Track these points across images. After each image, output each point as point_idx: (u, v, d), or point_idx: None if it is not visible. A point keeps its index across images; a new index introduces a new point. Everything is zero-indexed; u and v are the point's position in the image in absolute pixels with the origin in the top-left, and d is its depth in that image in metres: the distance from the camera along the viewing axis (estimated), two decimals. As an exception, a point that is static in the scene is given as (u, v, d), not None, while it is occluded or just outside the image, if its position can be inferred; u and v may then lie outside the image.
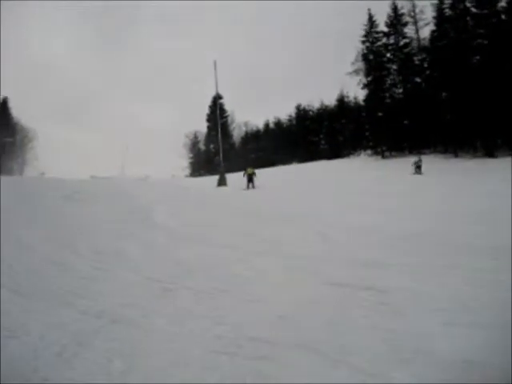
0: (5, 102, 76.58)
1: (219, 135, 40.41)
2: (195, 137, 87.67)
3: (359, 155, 62.79)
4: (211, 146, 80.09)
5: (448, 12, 45.51)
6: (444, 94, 43.81)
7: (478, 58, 41.20)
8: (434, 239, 9.01)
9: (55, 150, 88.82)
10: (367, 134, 57.56)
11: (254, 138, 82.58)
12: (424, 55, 49.77)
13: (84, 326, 4.90)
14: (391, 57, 53.25)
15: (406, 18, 52.63)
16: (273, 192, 23.87)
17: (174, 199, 20.70)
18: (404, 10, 52.60)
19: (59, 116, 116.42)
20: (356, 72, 56.12)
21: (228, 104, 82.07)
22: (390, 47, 53.41)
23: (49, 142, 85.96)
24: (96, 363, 3.94)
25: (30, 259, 8.34)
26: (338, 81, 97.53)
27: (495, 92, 36.89)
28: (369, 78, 53.97)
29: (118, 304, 5.63)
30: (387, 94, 52.66)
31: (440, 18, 46.26)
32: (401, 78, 51.86)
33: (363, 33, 55.24)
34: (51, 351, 4.21)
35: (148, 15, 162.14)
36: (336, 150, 65.89)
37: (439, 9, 46.41)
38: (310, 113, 76.02)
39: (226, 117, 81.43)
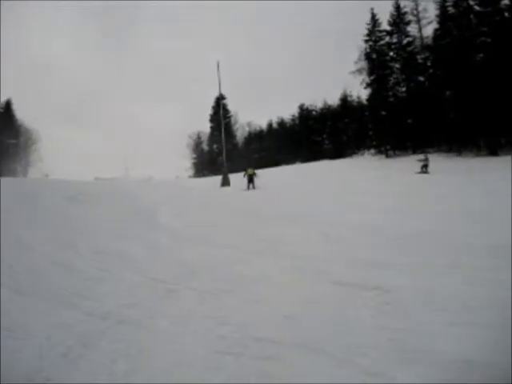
0: (8, 103, 76.73)
1: (223, 135, 40.36)
2: (198, 137, 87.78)
3: (363, 154, 62.81)
4: (214, 146, 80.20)
5: (451, 10, 45.36)
6: (447, 92, 43.66)
7: (481, 56, 41.05)
8: (443, 238, 8.98)
9: (59, 151, 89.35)
10: (370, 133, 57.57)
11: (257, 138, 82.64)
12: (427, 54, 49.64)
13: (89, 327, 4.90)
14: (394, 55, 53.13)
15: (409, 17, 52.57)
16: (276, 192, 23.81)
17: (178, 200, 20.74)
18: (407, 9, 52.56)
19: (63, 117, 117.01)
20: (359, 71, 56.14)
21: (231, 104, 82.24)
22: (392, 46, 53.29)
23: (53, 143, 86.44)
24: (101, 364, 3.94)
25: (34, 261, 8.36)
26: (341, 80, 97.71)
27: (498, 90, 36.77)
28: (372, 77, 53.88)
29: (123, 305, 5.64)
30: (390, 93, 52.55)
31: (443, 16, 46.12)
32: (404, 76, 51.71)
33: (366, 32, 55.21)
34: (56, 352, 4.21)
35: (150, 15, 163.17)
36: (339, 150, 65.90)
37: (442, 7, 46.27)
38: (313, 112, 76.00)
39: (230, 117, 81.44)
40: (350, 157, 63.45)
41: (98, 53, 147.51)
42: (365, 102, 60.06)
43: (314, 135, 72.25)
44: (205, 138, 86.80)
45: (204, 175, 72.11)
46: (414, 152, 47.93)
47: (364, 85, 55.65)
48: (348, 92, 70.98)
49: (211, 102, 79.30)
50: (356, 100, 69.78)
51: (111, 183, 36.83)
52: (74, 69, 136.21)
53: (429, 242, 8.69)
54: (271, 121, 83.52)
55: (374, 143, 56.49)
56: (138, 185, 35.36)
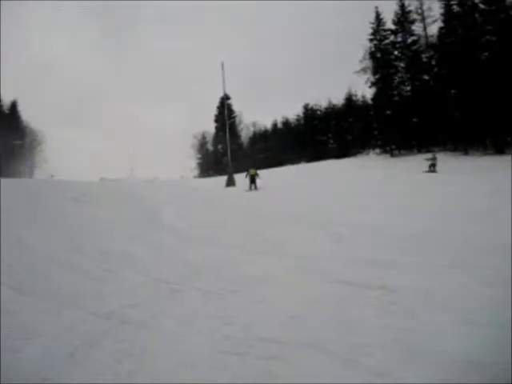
0: (14, 104, 77.03)
1: (227, 136, 40.37)
2: (203, 137, 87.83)
3: (368, 154, 62.70)
4: (219, 146, 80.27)
5: (456, 9, 45.26)
6: (453, 91, 43.53)
7: (486, 54, 40.92)
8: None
9: (64, 152, 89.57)
10: (375, 132, 57.49)
11: (262, 138, 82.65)
12: (432, 52, 49.51)
13: (93, 327, 4.89)
14: (399, 54, 53.02)
15: (414, 16, 52.44)
16: (281, 192, 23.81)
17: (182, 200, 20.75)
18: (411, 8, 52.46)
19: (67, 118, 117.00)
20: (364, 70, 56.04)
21: (236, 104, 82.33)
22: (397, 45, 53.18)
23: (57, 144, 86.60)
24: (105, 364, 3.94)
25: (38, 261, 8.35)
26: (345, 80, 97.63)
27: (504, 89, 36.65)
28: (376, 76, 53.77)
29: (127, 305, 5.63)
30: (395, 92, 52.44)
31: (448, 14, 46.01)
32: (409, 75, 51.58)
33: (370, 31, 55.13)
34: (60, 352, 4.20)
35: (150, 15, 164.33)
36: (344, 149, 65.86)
37: (447, 5, 46.17)
38: (318, 112, 75.97)
39: (234, 117, 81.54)
40: (354, 156, 63.37)
41: (100, 53, 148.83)
42: (369, 101, 59.97)
43: (318, 135, 72.22)
44: (210, 138, 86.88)
45: (209, 175, 72.20)
46: (420, 151, 47.88)
47: (369, 84, 55.61)
48: (353, 91, 71.05)
49: (216, 102, 79.60)
50: (361, 99, 69.79)
51: (116, 184, 36.86)
52: (77, 69, 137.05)
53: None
54: (276, 121, 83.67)
55: (379, 142, 56.41)
56: (143, 185, 35.40)
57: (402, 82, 52.51)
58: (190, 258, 8.40)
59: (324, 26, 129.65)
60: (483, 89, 38.05)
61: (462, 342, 3.98)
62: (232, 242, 9.96)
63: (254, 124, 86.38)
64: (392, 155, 51.81)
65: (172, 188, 30.02)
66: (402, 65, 52.64)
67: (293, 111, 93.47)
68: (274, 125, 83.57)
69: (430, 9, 50.82)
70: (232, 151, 41.28)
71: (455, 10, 45.33)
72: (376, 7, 54.95)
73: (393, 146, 52.62)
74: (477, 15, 43.08)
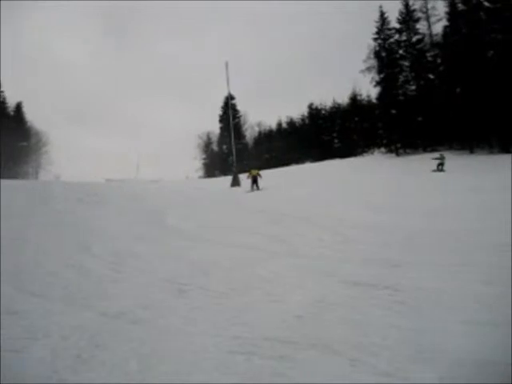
0: (19, 106, 77.24)
1: (232, 136, 40.42)
2: (208, 138, 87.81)
3: (373, 153, 62.60)
4: (224, 146, 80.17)
5: (461, 7, 45.08)
6: (458, 89, 43.36)
7: (491, 52, 40.75)
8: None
9: (69, 153, 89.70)
10: (381, 131, 57.33)
11: (266, 138, 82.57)
12: (437, 51, 49.36)
13: (103, 327, 4.92)
14: (404, 53, 52.83)
15: (418, 14, 52.26)
16: (287, 192, 23.76)
17: (188, 201, 20.78)
18: (416, 6, 52.25)
19: (72, 118, 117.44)
20: (368, 69, 55.80)
21: (240, 104, 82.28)
22: (402, 44, 52.98)
23: (62, 145, 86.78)
24: (114, 364, 3.95)
25: (48, 262, 8.40)
26: (350, 79, 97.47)
27: (510, 87, 36.48)
28: (381, 76, 53.59)
29: (136, 305, 5.65)
30: (400, 91, 52.23)
31: (453, 13, 45.82)
32: (414, 74, 51.38)
33: (375, 30, 54.99)
34: (71, 352, 4.22)
35: (156, 15, 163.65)
36: (349, 149, 65.72)
37: (452, 4, 45.99)
38: (323, 112, 75.94)
39: (239, 117, 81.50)
40: (360, 156, 63.29)
41: (104, 53, 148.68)
42: (374, 100, 59.83)
43: (323, 134, 72.17)
44: (214, 138, 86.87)
45: (214, 176, 72.18)
46: (425, 150, 47.73)
47: (373, 83, 55.42)
48: (357, 91, 70.91)
49: (220, 102, 79.53)
50: (366, 99, 69.66)
51: (122, 184, 36.95)
52: (82, 70, 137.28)
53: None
54: (280, 121, 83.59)
55: (385, 142, 56.27)
56: (148, 186, 35.49)
57: (407, 81, 52.32)
58: (197, 259, 8.44)
59: (328, 26, 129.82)
60: (488, 87, 37.88)
61: (471, 342, 3.98)
62: (238, 242, 9.98)
63: (258, 124, 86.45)
64: (397, 154, 51.65)
65: (177, 189, 30.07)
66: (406, 64, 52.45)
67: (297, 111, 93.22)
68: (279, 125, 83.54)
69: (434, 7, 50.64)
70: (237, 151, 41.35)
71: (460, 9, 45.14)
72: (380, 6, 54.86)
73: (398, 145, 52.46)
74: (482, 13, 42.89)
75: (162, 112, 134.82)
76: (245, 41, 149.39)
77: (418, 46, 51.28)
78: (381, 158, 51.63)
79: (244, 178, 30.90)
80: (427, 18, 51.54)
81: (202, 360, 3.94)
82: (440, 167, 30.49)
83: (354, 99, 71.08)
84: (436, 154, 33.57)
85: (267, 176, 29.26)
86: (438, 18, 50.06)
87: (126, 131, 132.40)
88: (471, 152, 41.70)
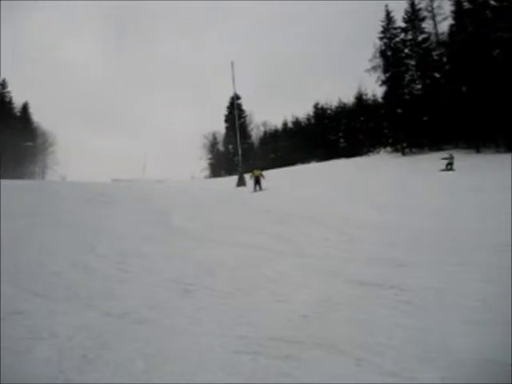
0: (25, 106, 77.53)
1: (238, 136, 40.44)
2: (214, 138, 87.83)
3: (379, 153, 62.51)
4: (230, 146, 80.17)
5: (466, 5, 44.95)
6: (464, 88, 43.23)
7: (497, 51, 40.61)
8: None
9: (75, 153, 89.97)
10: (386, 131, 57.22)
11: (272, 137, 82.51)
12: (443, 50, 49.23)
13: (108, 327, 4.92)
14: (409, 52, 52.74)
15: (424, 13, 52.17)
16: (291, 192, 23.74)
17: (194, 201, 20.81)
18: (421, 5, 52.17)
19: (77, 118, 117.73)
20: (374, 68, 55.74)
21: (246, 104, 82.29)
22: (408, 43, 52.92)
23: (69, 145, 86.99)
24: (119, 364, 3.96)
25: (54, 262, 8.42)
26: (356, 78, 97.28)
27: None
28: (387, 75, 53.52)
29: (141, 305, 5.66)
30: (406, 90, 52.16)
31: (458, 11, 45.71)
32: (419, 73, 51.28)
33: (381, 29, 54.92)
34: (76, 352, 4.22)
35: (163, 15, 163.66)
36: (355, 148, 65.61)
37: (457, 3, 45.86)
38: (328, 111, 75.86)
39: (244, 117, 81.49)
40: (366, 155, 63.20)
41: (110, 53, 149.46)
42: (380, 99, 59.74)
43: (329, 134, 72.12)
44: (220, 138, 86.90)
45: (220, 175, 72.23)
46: (431, 149, 47.58)
47: (379, 82, 55.35)
48: (363, 90, 70.75)
49: (226, 102, 79.53)
50: (371, 98, 69.49)
51: (128, 184, 37.05)
52: (88, 70, 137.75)
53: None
54: (286, 120, 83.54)
55: (390, 141, 56.15)
56: (154, 186, 35.56)
57: (413, 80, 52.22)
58: (203, 259, 8.44)
59: (334, 25, 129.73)
60: (494, 86, 37.75)
61: (477, 342, 3.97)
62: (244, 242, 9.98)
63: (264, 124, 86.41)
64: (403, 154, 51.55)
65: (183, 189, 30.12)
66: (412, 63, 52.37)
67: (303, 111, 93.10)
68: (285, 124, 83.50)
69: (440, 6, 50.52)
70: (243, 151, 41.38)
71: (466, 7, 45.00)
72: (386, 5, 54.80)
73: (404, 145, 52.35)
74: (487, 12, 42.74)
75: (167, 112, 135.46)
76: (250, 40, 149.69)
77: (424, 45, 51.19)
78: (387, 158, 51.53)
79: (249, 178, 30.90)
80: (433, 17, 51.48)
81: (207, 360, 3.94)
82: (449, 167, 30.39)
83: (359, 98, 70.96)
84: (444, 154, 33.42)
85: (273, 176, 29.27)
86: (443, 16, 50.01)
87: (132, 131, 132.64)
88: (477, 151, 41.55)
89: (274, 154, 76.48)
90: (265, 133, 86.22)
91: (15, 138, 62.91)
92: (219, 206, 18.63)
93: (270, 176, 28.67)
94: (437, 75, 49.30)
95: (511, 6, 40.18)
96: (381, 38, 54.81)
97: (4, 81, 74.30)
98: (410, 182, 23.85)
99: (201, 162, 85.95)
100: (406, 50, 53.06)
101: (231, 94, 50.16)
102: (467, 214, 11.50)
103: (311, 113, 78.41)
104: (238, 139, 40.13)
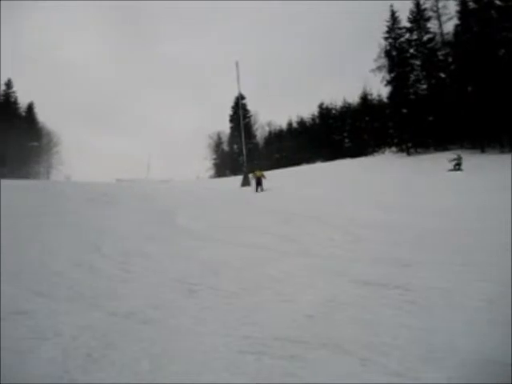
0: (30, 106, 77.74)
1: (242, 135, 40.44)
2: (219, 137, 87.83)
3: (384, 153, 62.37)
4: (235, 146, 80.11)
5: (472, 5, 44.80)
6: (469, 88, 43.08)
7: (503, 51, 40.48)
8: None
9: (80, 153, 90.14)
10: (391, 131, 57.06)
11: (277, 137, 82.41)
12: (448, 50, 49.08)
13: (113, 327, 4.92)
14: (415, 52, 52.61)
15: (429, 13, 52.05)
16: (296, 192, 23.74)
17: (199, 201, 20.82)
18: (427, 5, 52.04)
19: (82, 118, 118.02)
20: (379, 68, 55.59)
21: (251, 104, 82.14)
22: (413, 43, 52.76)
23: (73, 145, 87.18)
24: (124, 364, 3.96)
25: (58, 262, 8.42)
26: (361, 78, 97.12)
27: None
28: (392, 75, 53.39)
29: (146, 305, 5.66)
30: (411, 90, 52.00)
31: (464, 11, 45.56)
32: (425, 73, 51.13)
33: (386, 29, 54.81)
34: (81, 352, 4.22)
35: (166, 15, 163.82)
36: (360, 148, 65.47)
37: (463, 2, 45.72)
38: (333, 111, 75.73)
39: (249, 117, 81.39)
40: (371, 155, 63.07)
41: (114, 53, 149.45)
42: (385, 99, 59.57)
43: (334, 134, 71.99)
44: (225, 138, 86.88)
45: (225, 175, 72.22)
46: (436, 150, 47.43)
47: (384, 82, 55.23)
48: (368, 90, 70.54)
49: (231, 102, 79.48)
50: (376, 98, 69.28)
51: (132, 184, 37.09)
52: (92, 70, 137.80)
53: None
54: (291, 120, 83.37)
55: (395, 141, 56.00)
56: (159, 186, 35.58)
57: (418, 80, 52.07)
58: (207, 258, 8.45)
59: (339, 25, 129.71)
60: (500, 86, 37.62)
61: (482, 342, 3.96)
62: (249, 242, 9.99)
63: (269, 124, 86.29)
64: (408, 154, 51.41)
65: (187, 188, 30.12)
66: (417, 63, 52.22)
67: (308, 111, 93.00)
68: (289, 124, 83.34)
69: (445, 6, 50.35)
70: (247, 151, 41.40)
71: (471, 7, 44.85)
72: (391, 5, 54.69)
73: (409, 145, 52.21)
74: (493, 12, 42.60)
75: (172, 112, 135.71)
76: (255, 40, 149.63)
77: (429, 45, 51.01)
78: (392, 158, 51.40)
79: (252, 179, 30.92)
80: (438, 17, 51.32)
81: (212, 360, 3.94)
82: (457, 167, 30.36)
83: (364, 98, 70.75)
84: (451, 155, 33.20)
85: (278, 176, 29.27)
86: (448, 16, 49.82)
87: (136, 131, 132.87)
88: (482, 151, 41.40)
89: (278, 153, 76.39)
90: (270, 133, 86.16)
91: (20, 138, 63.09)
92: (224, 206, 18.63)
93: (275, 176, 28.70)
94: (442, 75, 49.13)
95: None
96: (386, 38, 54.69)
97: (9, 81, 74.57)
98: (415, 182, 23.82)
99: (205, 162, 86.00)
100: (411, 50, 52.91)
101: (236, 93, 50.18)
102: (473, 214, 11.48)
103: (316, 113, 78.34)
104: (243, 139, 40.14)
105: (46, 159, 78.31)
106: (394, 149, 57.09)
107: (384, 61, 54.80)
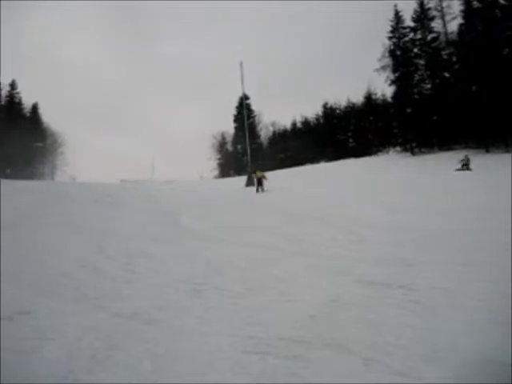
0: (35, 107, 77.90)
1: (247, 136, 40.45)
2: (223, 138, 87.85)
3: (388, 152, 62.30)
4: (239, 146, 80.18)
5: (476, 4, 44.71)
6: (473, 88, 42.98)
7: (507, 50, 40.39)
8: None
9: (84, 153, 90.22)
10: (396, 130, 57.02)
11: (281, 137, 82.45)
12: (452, 49, 48.99)
13: (117, 327, 4.93)
14: (419, 52, 52.60)
15: (433, 13, 52.00)
16: (300, 192, 23.72)
17: (203, 201, 20.84)
18: (431, 5, 52.00)
19: (86, 119, 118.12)
20: (383, 68, 55.60)
21: (255, 104, 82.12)
22: (417, 42, 52.80)
23: (78, 145, 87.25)
24: (128, 364, 3.96)
25: (62, 263, 8.44)
26: (365, 78, 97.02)
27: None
28: (396, 74, 53.37)
29: (150, 305, 5.67)
30: (415, 90, 51.98)
31: (468, 10, 45.48)
32: (429, 73, 51.13)
33: (390, 29, 54.76)
34: (85, 353, 4.23)
35: (170, 16, 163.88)
36: (364, 148, 65.43)
37: (467, 2, 45.63)
38: (337, 111, 75.71)
39: (253, 117, 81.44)
40: (375, 155, 63.00)
41: (118, 54, 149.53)
42: (389, 99, 59.48)
43: (338, 134, 72.01)
44: (229, 138, 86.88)
45: (229, 175, 72.24)
46: (440, 149, 47.37)
47: (388, 82, 55.21)
48: (372, 89, 70.50)
49: (235, 102, 79.48)
50: (380, 98, 69.20)
51: (137, 185, 37.16)
52: (97, 71, 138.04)
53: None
54: (295, 120, 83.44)
55: (400, 141, 55.97)
56: (163, 187, 35.62)
57: (422, 80, 52.06)
58: (212, 259, 8.45)
59: (343, 24, 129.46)
60: (504, 85, 37.54)
61: (486, 342, 3.95)
62: (254, 242, 9.99)
63: (273, 124, 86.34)
64: (413, 154, 51.36)
65: (192, 189, 30.14)
66: (421, 62, 52.23)
67: (312, 110, 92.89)
68: (294, 124, 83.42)
69: (449, 5, 50.42)
70: (251, 151, 41.38)
71: (475, 6, 44.76)
72: (395, 5, 54.64)
73: (413, 145, 52.14)
74: (497, 11, 42.50)
75: (176, 112, 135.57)
76: (255, 40, 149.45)
77: (433, 45, 50.99)
78: (396, 158, 51.37)
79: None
80: (442, 17, 51.32)
81: (216, 360, 3.95)
82: (465, 167, 30.39)
83: (368, 98, 70.77)
84: (461, 156, 33.09)
85: (282, 176, 29.23)
86: (453, 16, 49.84)
87: (137, 131, 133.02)
88: (487, 151, 41.31)
89: (283, 153, 76.45)
90: (274, 133, 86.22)
91: (25, 139, 63.20)
92: (228, 206, 18.65)
93: (279, 176, 28.71)
94: (446, 75, 49.09)
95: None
96: (390, 38, 54.70)
97: (14, 82, 74.74)
98: (419, 181, 23.74)
99: (210, 162, 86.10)
100: (416, 50, 52.91)
101: (237, 93, 50.21)
102: (477, 214, 11.45)
103: (320, 113, 78.46)
104: (247, 139, 40.16)
105: (51, 160, 78.41)
106: (398, 148, 57.12)
107: (388, 60, 54.87)
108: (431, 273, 6.41)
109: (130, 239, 10.95)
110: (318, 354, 3.95)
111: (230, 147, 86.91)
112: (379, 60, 55.76)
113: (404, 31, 53.92)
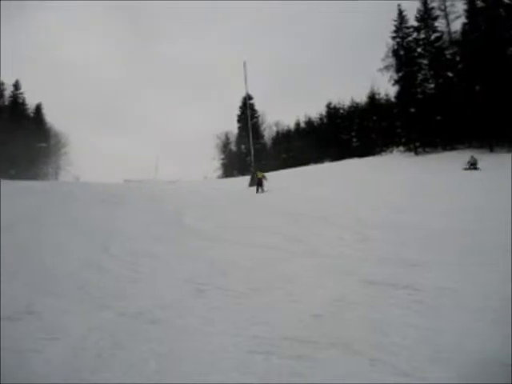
0: (39, 107, 77.98)
1: (250, 136, 40.46)
2: (226, 138, 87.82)
3: (391, 152, 62.15)
4: (242, 146, 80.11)
5: (479, 4, 44.59)
6: (477, 87, 42.88)
7: (511, 49, 40.27)
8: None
9: (88, 153, 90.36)
10: (399, 130, 56.90)
11: (285, 137, 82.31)
12: (456, 49, 48.85)
13: (121, 327, 4.93)
14: (422, 52, 52.46)
15: (437, 12, 51.83)
16: (304, 192, 23.70)
17: (206, 201, 20.85)
18: (434, 4, 51.84)
19: (90, 120, 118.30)
20: (387, 68, 55.40)
21: (258, 104, 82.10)
22: (420, 42, 52.61)
23: (81, 145, 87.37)
24: (132, 364, 3.96)
25: (67, 262, 8.46)
26: (368, 78, 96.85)
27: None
28: (400, 74, 53.24)
29: (154, 305, 5.67)
30: (419, 90, 51.81)
31: (471, 10, 45.36)
32: (432, 72, 50.95)
33: (393, 28, 54.67)
34: (90, 352, 4.23)
35: (173, 16, 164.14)
36: (368, 148, 65.30)
37: (470, 1, 45.50)
38: (341, 111, 75.55)
39: (257, 117, 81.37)
40: (378, 155, 62.86)
41: (122, 54, 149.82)
42: (393, 99, 59.38)
43: (341, 134, 71.86)
44: (233, 138, 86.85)
45: (233, 176, 72.22)
46: (444, 149, 47.25)
47: (392, 82, 55.07)
48: (376, 89, 70.32)
49: (239, 102, 79.43)
50: (384, 97, 69.06)
51: (140, 185, 37.20)
52: (100, 71, 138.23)
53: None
54: (298, 120, 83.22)
55: (403, 140, 55.82)
56: (166, 187, 35.66)
57: (426, 80, 51.89)
58: (216, 259, 8.46)
59: (347, 24, 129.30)
60: (508, 85, 37.44)
61: (490, 342, 3.94)
62: (258, 242, 9.99)
63: (276, 124, 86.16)
64: (416, 153, 51.23)
65: (195, 189, 30.17)
66: (425, 62, 52.05)
67: (316, 110, 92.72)
68: (297, 124, 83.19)
69: (453, 5, 50.11)
70: (255, 151, 41.39)
71: (479, 6, 44.64)
72: (399, 5, 54.52)
73: (417, 144, 52.01)
74: (501, 10, 42.39)
75: (180, 112, 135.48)
76: (262, 40, 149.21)
77: (437, 44, 50.81)
78: (399, 157, 51.23)
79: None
80: (446, 16, 51.08)
81: (220, 360, 3.95)
82: (472, 167, 30.37)
83: (372, 98, 70.54)
84: (469, 158, 32.96)
85: (285, 176, 29.18)
86: (456, 15, 49.56)
87: (137, 131, 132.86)
88: (491, 150, 41.19)
89: (286, 153, 76.35)
90: (277, 133, 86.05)
91: (28, 139, 63.24)
92: (232, 206, 18.65)
93: (283, 176, 28.71)
94: (450, 74, 48.92)
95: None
96: (393, 38, 54.53)
97: (17, 82, 74.83)
98: (423, 181, 23.68)
99: (213, 163, 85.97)
100: (419, 49, 52.75)
101: (244, 93, 50.22)
102: (480, 214, 11.43)
103: (324, 112, 78.13)
104: (251, 139, 40.17)
105: (55, 160, 78.40)
106: (401, 148, 56.90)
107: (392, 60, 54.65)
108: (436, 273, 6.40)
109: (133, 239, 10.97)
110: (323, 353, 3.95)
111: (233, 147, 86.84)
112: (383, 60, 55.64)
113: (407, 31, 53.75)
